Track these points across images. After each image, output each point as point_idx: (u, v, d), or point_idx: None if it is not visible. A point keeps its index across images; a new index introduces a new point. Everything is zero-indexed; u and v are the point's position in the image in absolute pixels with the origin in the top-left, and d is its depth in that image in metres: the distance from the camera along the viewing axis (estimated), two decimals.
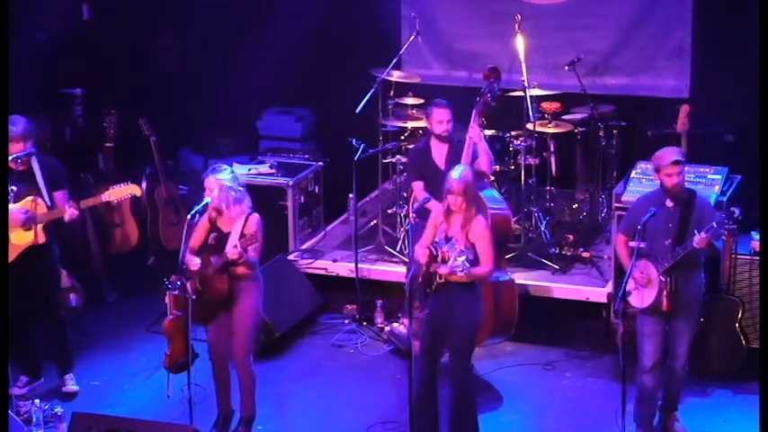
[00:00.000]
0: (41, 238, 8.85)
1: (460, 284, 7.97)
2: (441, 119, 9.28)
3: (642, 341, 8.12)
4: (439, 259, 7.96)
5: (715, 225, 7.75)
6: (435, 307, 8.01)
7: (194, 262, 8.12)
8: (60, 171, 9.05)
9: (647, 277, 8.02)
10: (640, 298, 8.06)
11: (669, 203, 8.00)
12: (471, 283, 8.00)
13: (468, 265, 7.83)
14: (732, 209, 7.85)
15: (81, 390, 9.30)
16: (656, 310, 8.03)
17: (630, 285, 8.09)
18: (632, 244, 7.98)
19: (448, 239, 8.00)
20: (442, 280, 7.96)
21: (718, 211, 8.33)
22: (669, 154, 8.02)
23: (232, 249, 8.02)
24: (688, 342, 8.20)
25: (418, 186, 9.31)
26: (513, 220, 9.92)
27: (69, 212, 8.80)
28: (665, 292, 7.98)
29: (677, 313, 8.08)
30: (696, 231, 7.83)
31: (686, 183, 8.19)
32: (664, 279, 7.97)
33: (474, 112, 9.34)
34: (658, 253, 7.99)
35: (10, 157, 8.76)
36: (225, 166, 8.32)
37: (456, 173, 8.04)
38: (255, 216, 8.25)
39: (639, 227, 7.84)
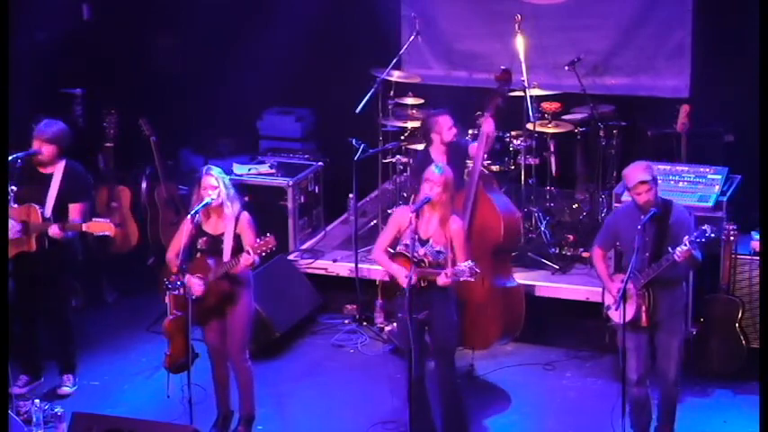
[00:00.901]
0: (33, 246, 8.85)
1: (435, 286, 7.98)
2: (449, 125, 9.40)
3: (627, 356, 7.99)
4: (425, 264, 7.96)
5: (687, 243, 7.67)
6: (414, 309, 8.01)
7: (197, 286, 8.10)
8: (81, 181, 9.02)
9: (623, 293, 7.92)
10: (620, 313, 7.92)
11: (644, 217, 7.91)
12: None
13: (477, 270, 7.82)
14: (704, 227, 7.78)
15: (81, 390, 9.31)
16: (637, 325, 7.97)
17: (609, 300, 8.07)
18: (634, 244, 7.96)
19: (423, 242, 8.00)
20: (426, 284, 7.96)
21: (696, 221, 8.13)
22: (634, 173, 7.93)
23: (246, 257, 8.01)
24: (676, 358, 8.07)
25: None
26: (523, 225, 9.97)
27: (54, 231, 8.77)
28: (643, 308, 7.91)
29: (659, 328, 8.01)
30: (670, 249, 7.76)
31: (661, 194, 8.06)
32: (642, 293, 7.91)
33: (487, 113, 9.35)
34: (635, 267, 7.88)
35: (11, 157, 8.76)
36: (216, 167, 8.34)
37: (436, 167, 8.10)
38: (246, 215, 8.26)
39: (639, 227, 7.80)
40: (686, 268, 8.03)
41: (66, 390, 9.26)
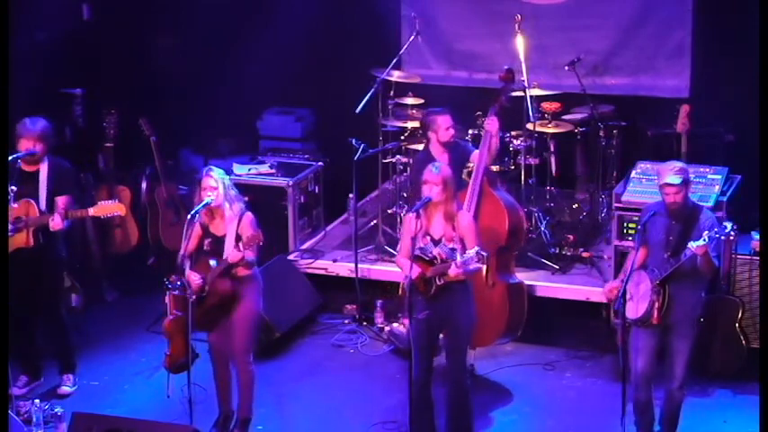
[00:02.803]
0: (30, 242, 8.86)
1: (457, 284, 7.99)
2: (447, 125, 9.33)
3: (634, 355, 7.99)
4: (438, 262, 7.96)
5: (706, 238, 7.60)
6: (432, 309, 8.01)
7: (195, 281, 8.11)
8: (68, 175, 9.06)
9: (639, 289, 7.90)
10: (633, 309, 7.93)
11: (671, 217, 7.89)
12: (465, 281, 8.03)
13: (484, 254, 7.79)
14: (724, 223, 7.77)
15: (81, 390, 9.31)
16: (648, 322, 7.92)
17: (622, 301, 8.01)
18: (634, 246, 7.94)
19: (436, 242, 8.00)
20: (442, 282, 7.96)
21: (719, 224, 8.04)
22: (663, 173, 7.87)
23: (234, 252, 8.03)
24: (685, 363, 8.01)
25: None
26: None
27: (54, 222, 8.79)
28: (656, 305, 7.86)
29: (672, 330, 7.96)
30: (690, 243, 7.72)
31: (690, 198, 8.02)
32: (657, 290, 7.85)
33: (491, 110, 9.37)
34: (656, 265, 7.88)
35: (10, 157, 8.78)
36: (217, 168, 8.35)
37: (434, 166, 8.10)
38: (249, 215, 8.27)
39: (639, 227, 7.80)
40: (705, 272, 7.89)
41: (66, 389, 9.26)
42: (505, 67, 9.64)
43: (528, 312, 9.45)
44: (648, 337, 8.01)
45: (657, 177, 7.97)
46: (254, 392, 8.50)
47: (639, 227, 7.95)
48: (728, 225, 7.70)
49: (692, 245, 7.65)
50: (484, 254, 7.78)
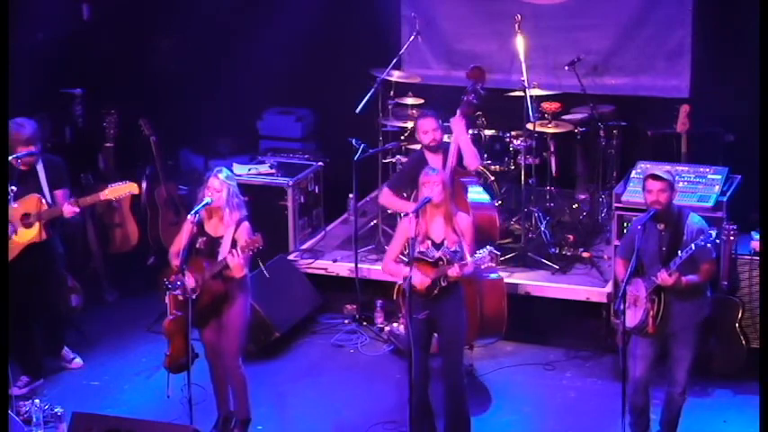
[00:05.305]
0: (43, 235, 8.92)
1: (451, 285, 7.98)
2: (426, 129, 9.25)
3: (632, 362, 7.96)
4: (443, 263, 7.94)
5: (693, 247, 7.60)
6: (427, 309, 8.01)
7: (190, 281, 8.10)
8: (62, 169, 9.16)
9: (634, 297, 7.89)
10: (630, 317, 7.90)
11: (660, 226, 7.86)
12: (456, 283, 8.02)
13: (497, 253, 7.75)
14: (710, 230, 7.75)
15: (81, 389, 9.32)
16: (644, 331, 7.88)
17: (622, 305, 7.99)
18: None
19: (437, 246, 7.99)
20: (446, 284, 7.95)
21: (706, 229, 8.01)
22: (652, 168, 7.84)
23: (230, 258, 8.01)
24: (687, 368, 8.00)
25: (387, 194, 9.42)
26: (500, 219, 9.85)
27: (69, 209, 8.85)
28: (650, 314, 7.81)
29: (672, 338, 7.94)
30: (679, 251, 7.69)
31: (675, 201, 7.97)
32: (652, 299, 7.82)
33: (458, 111, 9.37)
34: (652, 274, 7.84)
35: (10, 157, 8.79)
36: (227, 170, 8.34)
37: (430, 169, 8.13)
38: (246, 225, 8.23)
39: (639, 226, 7.78)
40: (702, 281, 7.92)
41: (78, 363, 9.51)
42: (472, 66, 9.63)
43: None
44: (647, 346, 7.98)
45: (643, 174, 7.94)
46: (249, 394, 8.47)
47: (640, 226, 7.87)
48: (713, 233, 7.70)
49: (683, 253, 7.65)
50: (497, 253, 7.77)
